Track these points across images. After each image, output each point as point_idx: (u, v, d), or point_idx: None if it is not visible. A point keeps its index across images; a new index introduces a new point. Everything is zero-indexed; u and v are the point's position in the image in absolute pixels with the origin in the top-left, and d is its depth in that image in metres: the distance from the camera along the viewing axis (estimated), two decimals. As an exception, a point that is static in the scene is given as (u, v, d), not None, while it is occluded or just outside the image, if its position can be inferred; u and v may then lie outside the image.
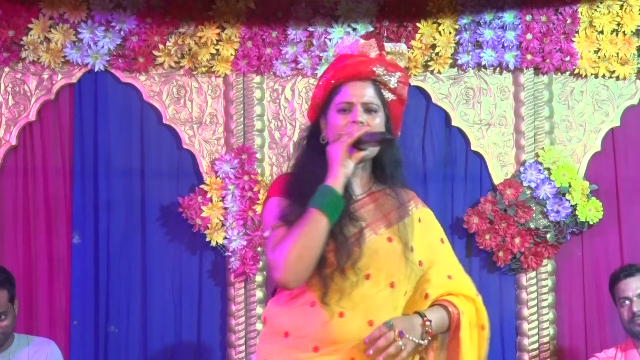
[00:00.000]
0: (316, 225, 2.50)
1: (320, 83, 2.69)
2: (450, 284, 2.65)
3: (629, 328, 4.06)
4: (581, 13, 4.54)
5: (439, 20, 4.53)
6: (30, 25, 4.48)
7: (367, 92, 2.64)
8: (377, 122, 2.63)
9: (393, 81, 2.67)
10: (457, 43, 4.54)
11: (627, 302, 4.04)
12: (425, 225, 2.69)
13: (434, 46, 4.53)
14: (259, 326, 4.39)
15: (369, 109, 2.63)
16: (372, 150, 2.62)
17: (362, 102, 2.63)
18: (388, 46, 2.73)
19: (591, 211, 4.46)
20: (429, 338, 2.54)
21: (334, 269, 2.54)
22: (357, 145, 2.58)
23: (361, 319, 2.53)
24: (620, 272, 4.09)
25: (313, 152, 2.67)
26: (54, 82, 4.52)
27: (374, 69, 2.65)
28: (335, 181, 2.53)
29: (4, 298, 3.94)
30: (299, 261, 2.50)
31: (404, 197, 2.68)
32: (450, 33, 4.53)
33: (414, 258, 2.62)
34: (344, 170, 2.55)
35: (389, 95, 2.68)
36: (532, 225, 4.47)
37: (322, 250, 2.51)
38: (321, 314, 2.55)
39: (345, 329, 2.53)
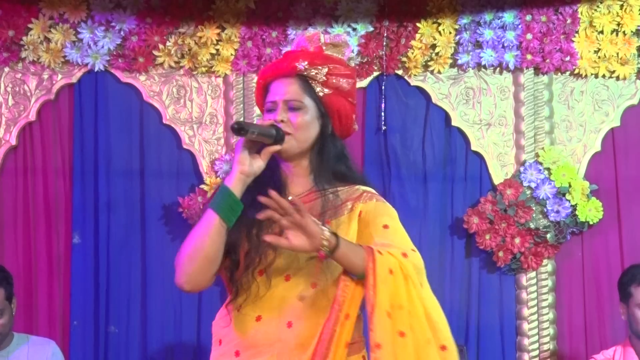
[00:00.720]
0: (207, 225, 2.44)
1: (256, 87, 2.66)
2: (386, 232, 2.50)
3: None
4: (581, 13, 4.53)
5: (439, 20, 4.53)
6: (30, 25, 4.48)
7: (289, 90, 2.57)
8: (302, 119, 2.55)
9: (321, 74, 2.58)
10: (457, 43, 4.54)
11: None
12: (366, 217, 2.54)
13: (434, 46, 4.53)
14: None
15: (292, 107, 2.55)
16: (286, 145, 2.52)
17: (283, 99, 2.56)
18: (325, 37, 2.66)
19: (591, 211, 4.46)
20: (327, 247, 2.36)
21: (243, 272, 2.49)
22: (269, 141, 2.49)
23: (280, 322, 2.48)
24: (632, 278, 3.99)
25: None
26: (54, 82, 4.52)
27: (296, 64, 2.57)
28: (231, 180, 2.47)
29: (0, 296, 3.94)
30: (190, 262, 2.47)
31: (345, 196, 2.57)
32: (450, 33, 4.53)
33: None
34: (241, 168, 2.47)
35: (322, 89, 2.58)
36: (532, 225, 4.47)
37: (217, 251, 2.45)
38: (240, 319, 2.51)
39: (263, 332, 2.48)
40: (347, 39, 2.70)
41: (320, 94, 2.59)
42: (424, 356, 2.39)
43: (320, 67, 2.59)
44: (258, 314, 2.49)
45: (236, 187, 2.47)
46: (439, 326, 2.44)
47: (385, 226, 2.52)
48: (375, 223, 2.52)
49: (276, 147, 2.51)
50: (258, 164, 2.50)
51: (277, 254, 2.48)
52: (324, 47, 2.65)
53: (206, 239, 2.45)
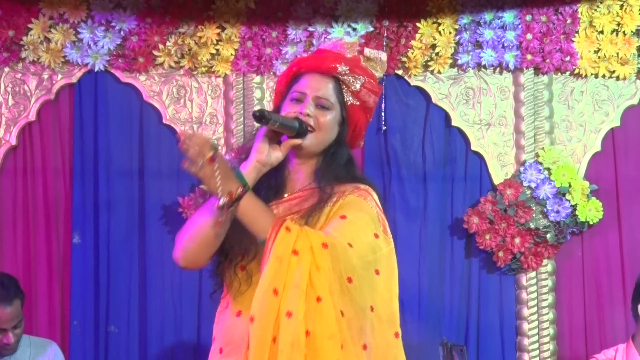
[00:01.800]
0: (213, 207, 2.40)
1: (284, 70, 2.64)
2: (339, 222, 2.44)
3: None
4: (581, 13, 4.53)
5: (439, 20, 4.53)
6: (30, 25, 4.48)
7: (323, 87, 2.56)
8: (327, 120, 2.55)
9: (356, 84, 2.58)
10: (457, 43, 4.54)
11: None
12: (338, 209, 2.50)
13: (434, 46, 4.53)
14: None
15: (321, 105, 2.55)
16: (307, 142, 2.51)
17: (315, 95, 2.55)
18: (368, 51, 2.66)
19: (591, 211, 4.46)
20: (226, 201, 2.34)
21: (227, 267, 2.50)
22: (290, 134, 2.48)
23: None
24: None
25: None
26: (54, 82, 4.52)
27: (337, 66, 2.57)
28: (246, 166, 2.46)
29: (19, 309, 3.95)
30: (190, 239, 2.46)
31: (335, 191, 2.54)
32: (450, 33, 4.53)
33: None
34: (258, 156, 2.47)
35: (350, 99, 2.59)
36: (532, 225, 4.47)
37: (218, 234, 2.43)
38: (225, 315, 2.52)
39: (241, 327, 2.46)
40: (385, 58, 2.69)
41: (348, 102, 2.60)
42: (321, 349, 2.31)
43: (357, 77, 2.60)
44: (238, 309, 2.49)
45: (250, 174, 2.46)
46: (344, 323, 2.35)
47: (343, 217, 2.46)
48: (336, 214, 2.48)
49: (298, 141, 2.51)
50: (276, 155, 2.50)
51: (258, 250, 2.45)
52: (362, 58, 2.65)
53: (209, 219, 2.43)
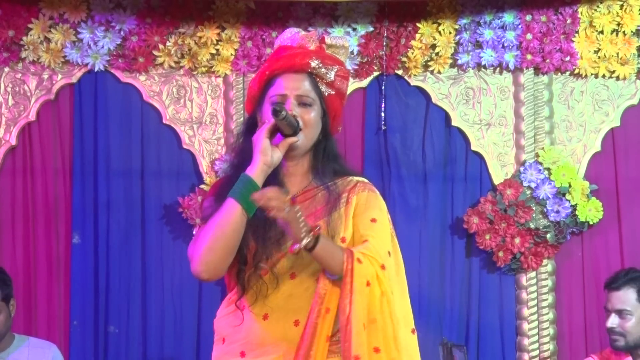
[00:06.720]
0: (228, 214, 2.42)
1: (258, 74, 2.60)
2: (373, 227, 2.52)
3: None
4: (581, 13, 4.54)
5: (439, 20, 4.53)
6: (30, 25, 4.48)
7: (302, 85, 2.55)
8: (312, 116, 2.55)
9: (330, 75, 2.58)
10: (457, 43, 4.54)
11: (606, 313, 3.99)
12: (360, 209, 2.55)
13: (434, 46, 4.53)
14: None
15: (303, 102, 2.55)
16: (301, 140, 2.53)
17: (295, 94, 2.54)
18: (329, 39, 2.65)
19: (591, 211, 4.46)
20: (310, 241, 2.38)
21: (252, 272, 2.49)
22: (284, 133, 2.49)
23: (286, 320, 2.48)
24: (609, 283, 3.99)
25: (248, 150, 2.55)
26: (54, 82, 4.52)
27: (310, 61, 2.57)
28: (253, 169, 2.45)
29: None
30: (210, 251, 2.44)
31: (342, 188, 2.57)
32: (450, 33, 4.53)
33: (349, 247, 2.49)
34: (264, 158, 2.46)
35: (326, 89, 2.59)
36: (532, 225, 4.47)
37: (237, 241, 2.44)
38: (246, 317, 2.51)
39: (269, 331, 2.48)
40: (348, 40, 2.69)
41: (325, 93, 2.59)
42: None
43: (330, 67, 2.60)
44: (265, 312, 2.49)
45: (259, 177, 2.46)
46: (402, 346, 2.46)
47: (373, 220, 2.53)
48: (364, 216, 2.53)
49: (295, 139, 2.50)
50: (277, 155, 2.49)
51: (283, 254, 2.48)
52: (325, 47, 2.65)
53: (227, 228, 2.42)
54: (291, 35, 2.66)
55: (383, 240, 2.51)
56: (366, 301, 2.42)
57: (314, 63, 2.57)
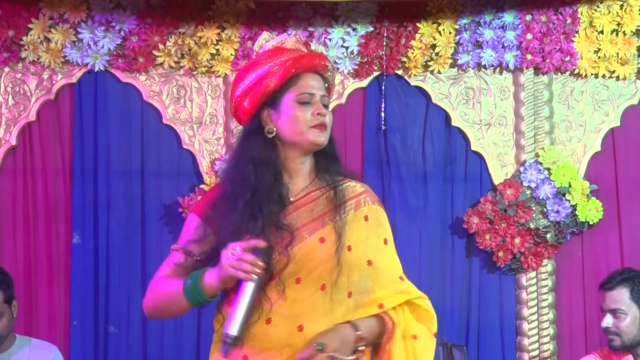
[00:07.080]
0: (176, 301, 2.56)
1: (276, 69, 2.52)
2: (403, 285, 2.56)
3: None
4: (581, 13, 4.54)
5: (439, 20, 4.53)
6: (30, 25, 4.48)
7: (323, 86, 2.57)
8: (331, 117, 2.56)
9: (334, 77, 2.62)
10: (457, 43, 4.54)
11: (602, 313, 3.99)
12: (372, 224, 2.56)
13: (434, 46, 4.53)
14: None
15: (324, 104, 2.56)
16: (323, 140, 2.55)
17: (320, 94, 2.55)
18: (313, 44, 2.64)
19: (591, 211, 4.46)
20: (359, 355, 2.47)
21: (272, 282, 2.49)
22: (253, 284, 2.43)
23: (290, 325, 2.47)
24: (604, 283, 3.98)
25: (251, 151, 2.54)
26: (54, 82, 4.52)
27: (327, 64, 2.59)
28: (211, 285, 2.49)
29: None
30: (155, 311, 2.70)
31: (348, 193, 2.56)
32: (450, 33, 4.53)
33: (355, 257, 2.50)
34: (222, 286, 2.50)
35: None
36: (532, 225, 4.47)
37: (180, 313, 2.63)
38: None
39: (273, 335, 2.47)
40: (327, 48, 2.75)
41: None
42: None
43: (334, 71, 2.65)
44: (268, 316, 2.48)
45: (215, 291, 2.53)
46: None
47: (385, 241, 2.58)
48: (377, 234, 2.57)
49: (252, 285, 2.42)
50: (231, 281, 2.48)
51: (290, 259, 2.47)
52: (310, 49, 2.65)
53: (170, 308, 2.63)
54: (279, 36, 2.65)
55: (395, 264, 2.59)
56: (405, 354, 2.51)
57: (329, 66, 2.60)
